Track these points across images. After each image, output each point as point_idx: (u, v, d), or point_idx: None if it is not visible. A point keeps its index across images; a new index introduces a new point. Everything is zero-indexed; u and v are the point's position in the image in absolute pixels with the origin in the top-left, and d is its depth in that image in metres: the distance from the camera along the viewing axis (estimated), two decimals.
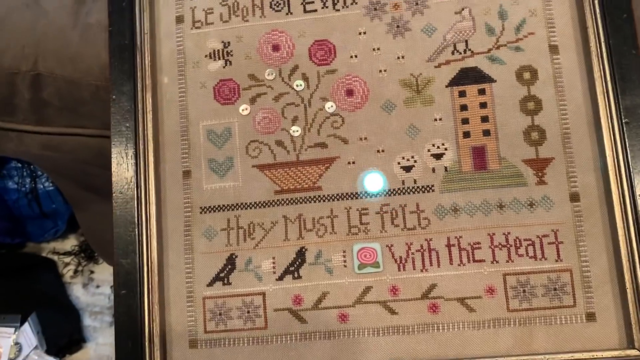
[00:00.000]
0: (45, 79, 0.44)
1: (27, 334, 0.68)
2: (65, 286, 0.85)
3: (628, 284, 0.35)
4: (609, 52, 0.37)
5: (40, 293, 0.81)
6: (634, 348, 0.34)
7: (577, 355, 0.34)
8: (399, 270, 0.37)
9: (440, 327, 0.36)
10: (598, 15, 0.37)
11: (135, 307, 0.37)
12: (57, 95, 0.44)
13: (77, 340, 0.77)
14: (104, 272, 0.89)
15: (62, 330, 0.75)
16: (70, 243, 0.90)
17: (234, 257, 0.38)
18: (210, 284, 0.38)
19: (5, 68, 0.44)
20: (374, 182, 0.38)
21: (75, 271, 0.88)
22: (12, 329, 0.68)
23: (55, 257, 0.89)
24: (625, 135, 0.36)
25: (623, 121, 0.36)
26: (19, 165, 0.90)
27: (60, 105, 0.45)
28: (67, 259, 0.89)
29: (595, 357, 0.34)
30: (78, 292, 0.85)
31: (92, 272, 0.90)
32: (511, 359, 0.35)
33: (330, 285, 0.37)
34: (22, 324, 0.69)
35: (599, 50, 0.37)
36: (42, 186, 0.89)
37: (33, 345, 0.68)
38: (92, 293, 0.87)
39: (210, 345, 0.38)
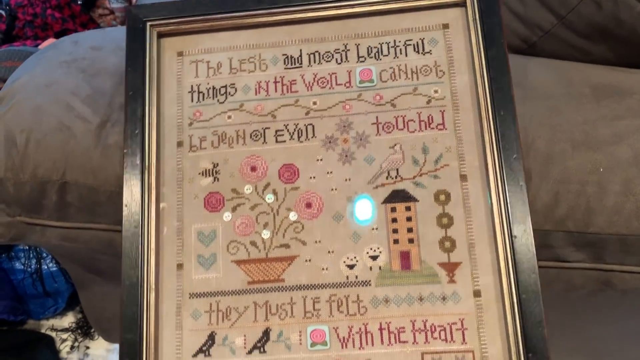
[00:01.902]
0: (71, 186, 0.55)
1: None
2: None
3: None
4: (503, 184, 0.48)
5: None
6: None
7: None
8: (342, 347, 0.47)
9: None
10: (495, 154, 0.49)
11: None
12: (79, 198, 0.55)
13: None
14: (99, 348, 0.97)
15: None
16: (68, 320, 0.99)
17: (214, 334, 0.49)
18: (194, 355, 0.49)
19: (39, 177, 0.55)
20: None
21: (72, 347, 0.96)
22: None
23: (54, 334, 0.97)
24: (514, 246, 0.47)
25: (512, 236, 0.47)
26: (26, 247, 1.01)
27: (80, 206, 0.56)
28: (65, 335, 0.97)
29: None
30: None
31: (87, 347, 0.98)
32: None
33: (288, 359, 0.48)
34: None
35: (495, 181, 0.49)
36: (46, 266, 1.00)
37: None
38: None
39: None
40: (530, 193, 0.50)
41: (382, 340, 0.47)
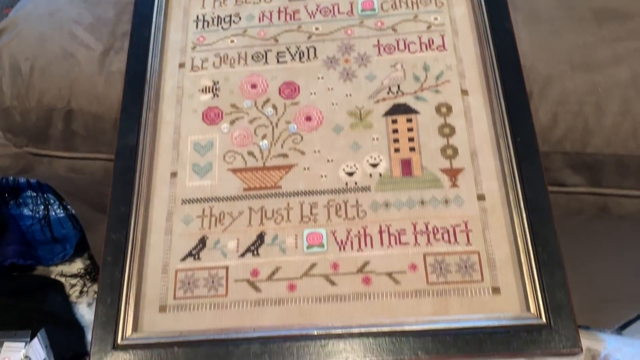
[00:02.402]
0: (76, 114, 0.55)
1: (36, 349, 0.74)
2: (72, 305, 0.94)
3: (524, 267, 0.43)
4: (505, 95, 0.48)
5: (48, 312, 0.89)
6: (529, 312, 0.41)
7: (484, 321, 0.41)
8: (340, 250, 0.45)
9: (371, 296, 0.43)
10: (496, 70, 0.49)
11: (117, 274, 0.44)
12: (84, 126, 0.55)
13: (81, 354, 0.83)
14: None
15: (68, 345, 0.82)
16: (77, 266, 1.00)
17: (205, 238, 0.46)
18: (183, 259, 0.46)
19: (45, 105, 0.54)
20: None
21: (81, 292, 0.97)
22: (23, 344, 0.75)
23: (63, 279, 0.98)
24: (518, 152, 0.46)
25: (516, 140, 0.46)
26: (34, 194, 1.01)
27: (86, 135, 0.56)
28: (74, 281, 0.98)
29: (500, 318, 0.41)
30: (83, 311, 0.94)
31: (95, 292, 0.96)
32: (431, 324, 0.42)
33: (282, 262, 0.45)
34: (31, 339, 0.77)
35: (497, 94, 0.49)
36: (53, 213, 1.01)
37: (42, 359, 0.73)
38: None
39: (177, 309, 0.44)
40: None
41: (381, 242, 0.45)
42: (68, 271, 0.98)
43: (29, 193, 1.00)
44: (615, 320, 0.91)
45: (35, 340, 0.76)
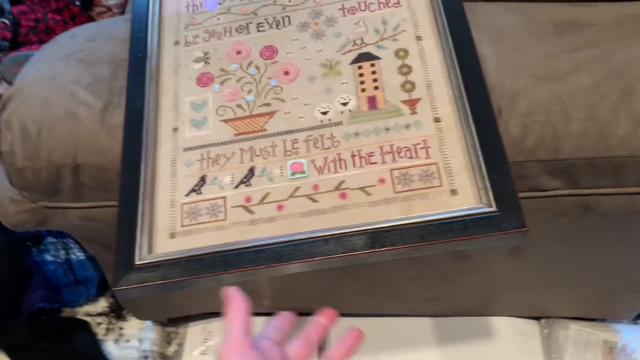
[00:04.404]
0: (82, 167, 0.59)
1: None
2: (99, 343, 0.99)
3: (475, 170, 0.49)
4: (452, 38, 0.56)
5: (79, 351, 0.95)
6: (482, 204, 0.48)
7: (444, 214, 0.48)
8: (319, 174, 0.52)
9: (348, 207, 0.50)
10: (444, 16, 0.57)
11: (133, 208, 0.52)
12: (92, 178, 0.60)
13: None
14: (132, 328, 1.04)
15: None
16: (101, 305, 1.05)
17: (205, 176, 0.54)
18: (187, 194, 0.54)
19: (53, 162, 0.59)
20: None
21: (107, 329, 1.02)
22: None
23: (89, 319, 1.03)
24: (465, 79, 0.53)
25: (463, 70, 0.54)
26: (54, 239, 1.08)
27: (94, 186, 0.61)
28: (99, 319, 1.03)
29: (458, 212, 0.48)
30: (111, 348, 0.99)
31: (121, 328, 1.04)
32: (400, 222, 0.49)
33: (271, 188, 0.53)
34: None
35: (445, 36, 0.56)
36: (74, 256, 1.07)
37: None
38: (123, 347, 1.01)
39: (185, 234, 0.52)
40: (501, 128, 0.53)
41: (354, 164, 0.52)
42: (93, 310, 1.03)
43: (49, 239, 1.06)
44: (630, 311, 0.94)
45: None
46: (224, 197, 0.53)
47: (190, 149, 0.56)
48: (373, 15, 0.60)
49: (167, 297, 0.89)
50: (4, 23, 1.17)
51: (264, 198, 0.52)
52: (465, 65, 0.54)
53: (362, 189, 0.51)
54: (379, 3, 0.61)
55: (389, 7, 0.60)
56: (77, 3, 1.10)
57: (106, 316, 1.03)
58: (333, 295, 0.91)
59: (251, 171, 0.54)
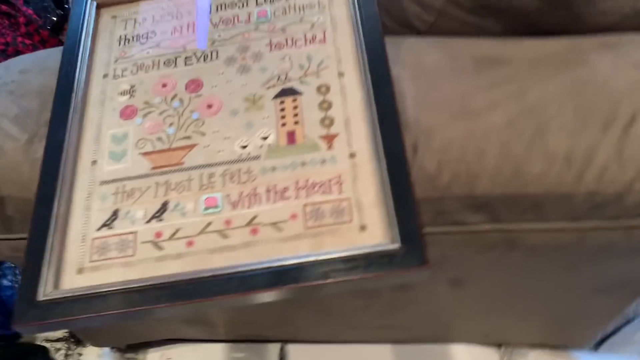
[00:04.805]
0: (7, 200, 0.60)
1: None
2: None
3: (385, 206, 0.49)
4: (372, 75, 0.56)
5: None
6: (387, 240, 0.47)
7: (351, 251, 0.47)
8: (233, 209, 0.52)
9: (258, 244, 0.50)
10: (365, 53, 0.58)
11: (42, 243, 0.51)
12: (17, 211, 0.61)
13: None
14: (91, 355, 1.04)
15: None
16: (61, 331, 1.03)
17: (117, 210, 0.53)
18: (98, 229, 0.53)
19: None
20: None
21: (66, 355, 1.02)
22: None
23: (48, 344, 1.02)
24: (380, 116, 0.53)
25: (380, 108, 0.54)
26: (12, 265, 1.06)
27: (21, 218, 0.61)
28: (59, 345, 1.03)
29: (363, 248, 0.47)
30: None
31: (80, 354, 1.05)
32: (309, 258, 0.48)
33: (182, 223, 0.52)
34: None
35: (366, 73, 0.57)
36: None
37: None
38: None
39: (93, 270, 0.51)
40: (416, 165, 0.54)
41: (268, 199, 0.52)
42: (53, 336, 1.03)
43: (7, 264, 1.07)
44: (590, 338, 0.95)
45: None
46: (134, 232, 0.52)
47: (107, 182, 0.55)
48: (299, 51, 0.61)
49: (123, 324, 0.87)
50: None
51: (174, 234, 0.51)
52: (381, 102, 0.54)
53: (273, 224, 0.50)
54: (306, 39, 0.61)
55: (315, 43, 0.61)
56: (47, 27, 1.10)
57: (65, 342, 1.02)
58: (289, 323, 0.90)
59: (164, 205, 0.53)
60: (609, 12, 0.58)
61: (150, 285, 0.48)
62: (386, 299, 0.82)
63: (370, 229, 0.49)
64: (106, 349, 1.02)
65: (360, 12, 0.61)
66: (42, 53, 0.73)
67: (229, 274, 0.48)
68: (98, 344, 1.00)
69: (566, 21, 0.59)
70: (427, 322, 0.91)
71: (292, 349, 0.96)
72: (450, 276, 0.73)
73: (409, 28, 0.70)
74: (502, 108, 0.55)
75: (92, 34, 0.66)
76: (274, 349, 0.97)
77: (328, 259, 0.47)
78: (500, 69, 0.57)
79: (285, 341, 0.98)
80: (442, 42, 0.63)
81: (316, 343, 0.96)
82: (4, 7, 1.26)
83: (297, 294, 0.47)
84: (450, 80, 0.57)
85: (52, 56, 0.68)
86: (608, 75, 0.54)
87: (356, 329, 0.93)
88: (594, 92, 0.54)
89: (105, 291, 0.48)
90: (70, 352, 1.01)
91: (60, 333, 1.03)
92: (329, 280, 0.46)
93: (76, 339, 1.03)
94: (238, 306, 0.46)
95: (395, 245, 0.47)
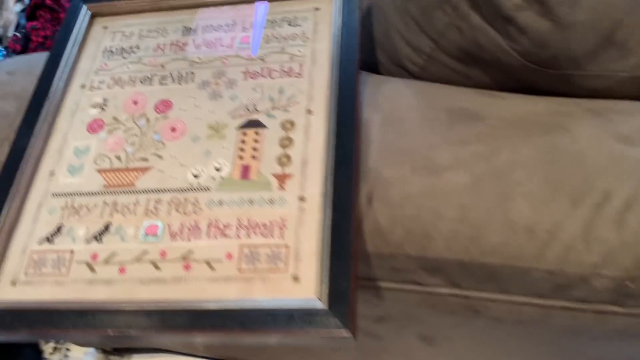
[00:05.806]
0: None
1: None
2: None
3: (322, 259, 0.47)
4: (337, 117, 0.54)
5: None
6: (315, 297, 0.45)
7: (274, 303, 0.45)
8: (171, 240, 0.50)
9: (188, 281, 0.48)
10: (336, 92, 0.56)
11: None
12: None
13: None
14: (77, 352, 1.05)
15: None
16: None
17: (61, 226, 0.53)
18: (40, 243, 0.52)
19: None
20: None
21: (55, 348, 1.02)
22: None
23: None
24: (337, 162, 0.51)
25: (338, 153, 0.52)
26: None
27: None
28: None
29: (289, 302, 0.45)
30: None
31: (68, 349, 1.05)
32: (233, 305, 0.46)
33: (119, 248, 0.51)
34: None
35: (333, 114, 0.54)
36: None
37: None
38: None
39: (25, 284, 0.50)
40: (370, 217, 0.51)
41: (208, 234, 0.50)
42: None
43: None
44: None
45: None
46: (72, 251, 0.51)
47: (58, 195, 0.55)
48: (272, 83, 0.59)
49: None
50: (17, 36, 1.23)
51: (109, 258, 0.50)
52: (341, 147, 0.52)
53: (207, 262, 0.49)
54: (282, 71, 0.60)
55: (291, 76, 0.59)
56: None
57: None
58: (267, 352, 0.88)
59: (107, 227, 0.52)
60: (602, 75, 0.54)
61: (72, 309, 0.47)
62: (358, 344, 0.78)
63: (303, 282, 0.46)
64: (92, 349, 1.03)
65: (340, 48, 0.59)
66: (35, 56, 0.74)
67: (149, 310, 0.46)
68: (82, 344, 1.00)
69: (554, 81, 0.55)
70: None
71: None
72: (421, 332, 0.70)
73: (402, 69, 0.68)
74: (468, 167, 0.51)
75: (80, 43, 0.66)
76: None
77: (252, 309, 0.45)
78: (473, 125, 0.54)
79: None
80: (423, 88, 0.60)
81: None
82: (48, 1, 1.31)
83: (216, 339, 0.45)
84: (420, 130, 0.54)
85: (42, 60, 0.69)
86: (587, 145, 0.50)
87: None
88: (568, 163, 0.50)
89: (25, 309, 0.48)
90: (58, 347, 1.02)
91: None
92: (246, 332, 0.44)
93: None
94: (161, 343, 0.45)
95: (321, 305, 0.44)
